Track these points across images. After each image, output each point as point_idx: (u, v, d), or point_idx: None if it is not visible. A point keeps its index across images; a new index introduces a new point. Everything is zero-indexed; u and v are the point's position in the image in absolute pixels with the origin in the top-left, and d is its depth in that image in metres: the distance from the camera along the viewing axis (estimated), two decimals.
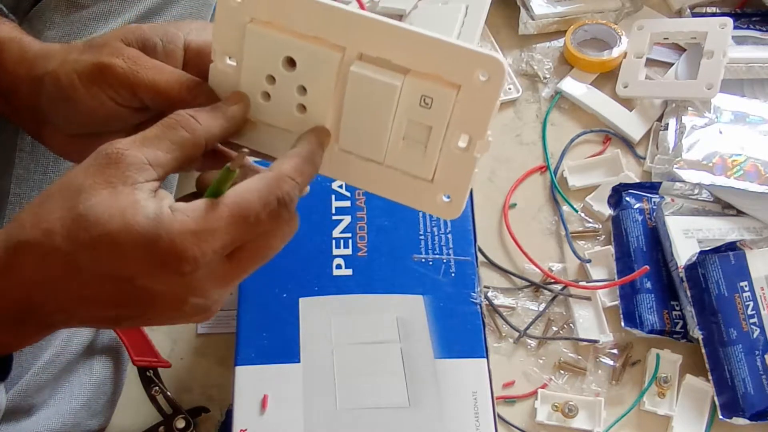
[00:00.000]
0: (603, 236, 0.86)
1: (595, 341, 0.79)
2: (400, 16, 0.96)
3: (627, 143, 0.93)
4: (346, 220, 0.73)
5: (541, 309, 0.81)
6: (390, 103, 0.45)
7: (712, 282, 0.76)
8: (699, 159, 0.86)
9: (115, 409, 0.71)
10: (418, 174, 0.48)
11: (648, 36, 0.97)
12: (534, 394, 0.76)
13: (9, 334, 0.44)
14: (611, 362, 0.78)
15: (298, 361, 0.66)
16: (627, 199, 0.85)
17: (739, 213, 0.83)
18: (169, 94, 0.48)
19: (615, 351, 0.79)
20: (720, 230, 0.82)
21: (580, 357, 0.79)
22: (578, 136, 0.94)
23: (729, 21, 0.93)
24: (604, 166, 0.91)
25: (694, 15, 1.02)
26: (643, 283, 0.80)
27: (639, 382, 0.77)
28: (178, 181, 0.74)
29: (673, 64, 0.98)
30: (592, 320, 0.80)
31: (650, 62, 0.98)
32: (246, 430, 0.63)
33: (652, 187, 0.86)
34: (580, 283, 0.82)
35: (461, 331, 0.67)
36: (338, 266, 0.71)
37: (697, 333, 0.76)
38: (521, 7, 1.01)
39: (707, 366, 0.75)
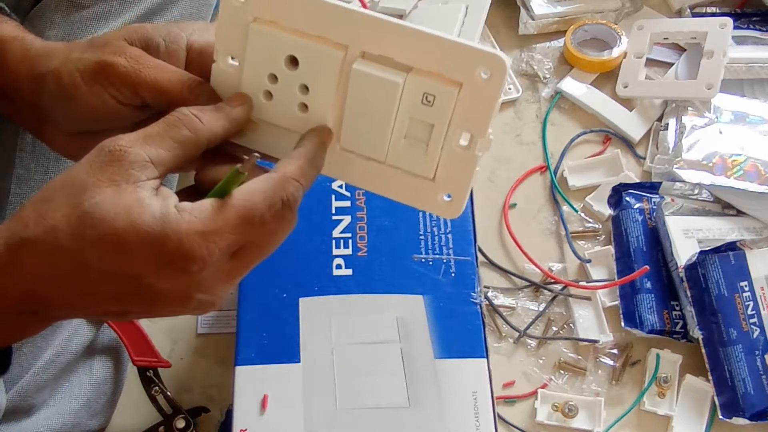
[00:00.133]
0: (603, 236, 0.86)
1: (595, 341, 0.79)
2: (400, 16, 0.96)
3: (627, 143, 0.93)
4: (346, 220, 0.73)
5: (541, 309, 0.81)
6: (392, 101, 0.45)
7: (712, 282, 0.76)
8: (699, 159, 0.86)
9: (115, 409, 0.71)
10: (419, 173, 0.48)
11: (648, 36, 0.97)
12: (534, 394, 0.76)
13: (11, 327, 0.44)
14: (611, 362, 0.78)
15: (298, 361, 0.65)
16: (627, 199, 0.85)
17: (739, 213, 0.84)
18: (171, 93, 0.48)
19: (615, 351, 0.79)
20: (720, 230, 0.82)
21: (580, 357, 0.79)
22: (578, 136, 0.94)
23: (729, 21, 0.93)
24: (604, 166, 0.91)
25: (694, 15, 1.02)
26: (643, 283, 0.80)
27: (639, 382, 0.77)
28: (178, 180, 0.74)
29: (673, 64, 0.98)
30: (592, 320, 0.80)
31: (650, 62, 0.98)
32: (246, 430, 0.63)
33: (652, 187, 0.86)
34: (580, 283, 0.82)
35: (461, 331, 0.67)
36: (338, 266, 0.71)
37: (697, 333, 0.76)
38: (521, 7, 1.01)
39: (707, 366, 0.75)
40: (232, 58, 0.48)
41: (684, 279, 0.77)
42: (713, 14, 1.01)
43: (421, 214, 0.73)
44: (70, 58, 0.49)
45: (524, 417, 0.76)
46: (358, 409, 0.63)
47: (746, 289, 0.76)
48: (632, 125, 0.94)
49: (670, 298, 0.80)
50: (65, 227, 0.40)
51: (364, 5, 0.96)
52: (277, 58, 0.46)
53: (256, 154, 0.43)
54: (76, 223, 0.40)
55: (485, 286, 0.81)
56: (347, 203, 0.74)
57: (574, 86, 0.97)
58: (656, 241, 0.83)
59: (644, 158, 0.92)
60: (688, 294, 0.77)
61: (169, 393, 0.72)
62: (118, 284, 0.41)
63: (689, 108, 0.92)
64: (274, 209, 0.43)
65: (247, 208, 0.42)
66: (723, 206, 0.84)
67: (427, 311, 0.68)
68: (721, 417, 0.74)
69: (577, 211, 0.88)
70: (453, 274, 0.70)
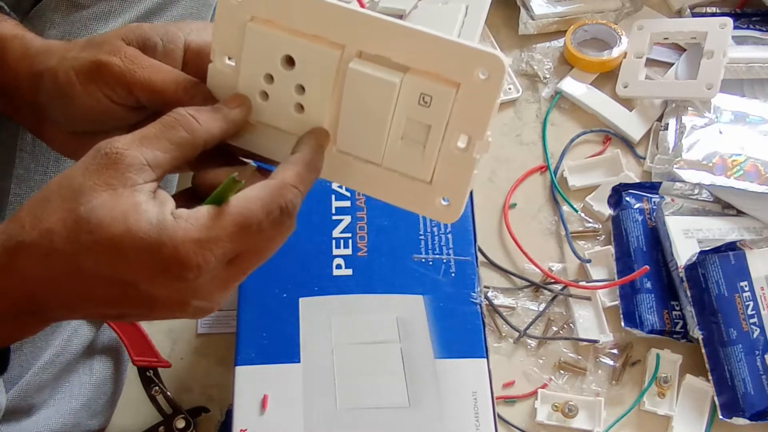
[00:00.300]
0: (603, 236, 0.86)
1: (595, 341, 0.79)
2: (400, 16, 0.96)
3: (627, 143, 0.93)
4: (346, 220, 0.73)
5: (541, 309, 0.81)
6: (389, 101, 0.45)
7: (712, 282, 0.76)
8: (699, 159, 0.86)
9: (115, 409, 0.71)
10: (416, 175, 0.47)
11: (648, 36, 0.97)
12: (534, 394, 0.76)
13: (10, 327, 0.44)
14: (611, 362, 0.78)
15: (298, 361, 0.65)
16: (627, 199, 0.85)
17: (739, 213, 0.83)
18: (166, 93, 0.48)
19: (615, 351, 0.79)
20: (720, 230, 0.82)
21: (580, 357, 0.79)
22: (578, 136, 0.94)
23: (729, 21, 0.93)
24: (604, 166, 0.91)
25: (694, 15, 1.02)
26: (643, 283, 0.80)
27: (639, 382, 0.77)
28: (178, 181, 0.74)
29: (673, 64, 0.98)
30: (592, 320, 0.80)
31: (650, 62, 0.98)
32: (246, 430, 0.63)
33: (652, 187, 0.86)
34: (580, 283, 0.82)
35: (461, 331, 0.67)
36: (338, 266, 0.71)
37: (697, 333, 0.76)
38: (521, 7, 1.01)
39: (707, 366, 0.75)
40: (229, 58, 0.48)
41: (684, 279, 0.77)
42: (713, 14, 1.01)
43: None
44: (67, 56, 0.49)
45: (524, 417, 0.76)
46: (358, 409, 0.63)
47: (746, 289, 0.76)
48: (632, 125, 0.94)
49: (670, 298, 0.80)
50: (61, 231, 0.40)
51: (361, 5, 0.95)
52: (273, 57, 0.46)
53: (254, 164, 0.43)
54: (71, 227, 0.40)
55: (485, 286, 0.81)
56: (347, 203, 0.74)
57: (574, 86, 0.97)
58: (656, 241, 0.83)
59: (644, 158, 0.92)
60: (688, 294, 0.77)
61: (169, 393, 0.72)
62: (114, 289, 0.41)
63: (689, 108, 0.92)
64: (272, 216, 0.42)
65: (244, 216, 0.42)
66: (723, 206, 0.84)
67: (427, 311, 0.68)
68: (721, 417, 0.74)
69: (577, 211, 0.88)
70: (453, 274, 0.70)
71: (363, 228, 0.73)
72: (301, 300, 0.69)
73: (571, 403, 0.75)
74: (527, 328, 0.80)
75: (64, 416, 0.64)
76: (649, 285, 0.80)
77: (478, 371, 0.65)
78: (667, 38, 0.98)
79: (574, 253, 0.84)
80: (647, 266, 0.79)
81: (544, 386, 0.77)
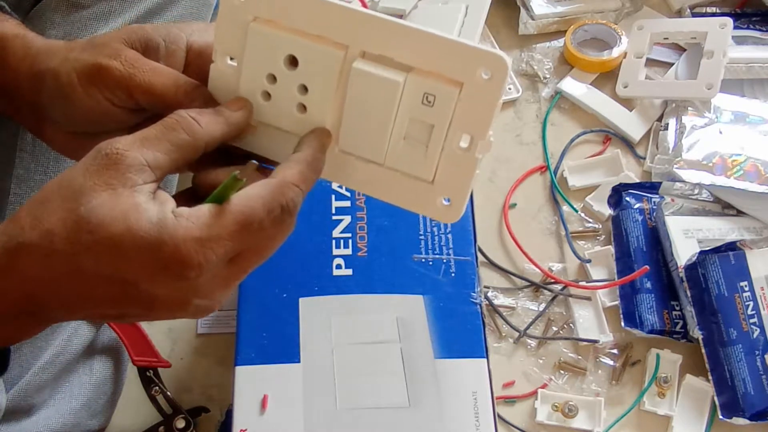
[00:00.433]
0: (603, 236, 0.86)
1: (595, 341, 0.79)
2: (400, 16, 0.96)
3: (627, 143, 0.93)
4: (346, 220, 0.73)
5: (541, 309, 0.81)
6: (392, 101, 0.45)
7: (712, 282, 0.76)
8: (699, 159, 0.86)
9: (115, 409, 0.71)
10: (418, 175, 0.47)
11: (648, 36, 0.97)
12: (534, 394, 0.76)
13: (10, 328, 0.44)
14: (611, 362, 0.78)
15: (298, 361, 0.65)
16: (627, 199, 0.85)
17: (739, 213, 0.83)
18: (166, 96, 0.47)
19: (615, 351, 0.79)
20: (720, 230, 0.82)
21: (580, 357, 0.79)
22: (578, 136, 0.94)
23: (729, 21, 0.93)
24: (604, 166, 0.91)
25: (694, 15, 1.02)
26: (643, 283, 0.80)
27: (639, 382, 0.77)
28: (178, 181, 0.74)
29: (673, 64, 0.98)
30: (592, 320, 0.80)
31: (650, 62, 0.98)
32: (246, 430, 0.63)
33: (652, 187, 0.86)
34: (580, 283, 0.82)
35: (461, 331, 0.67)
36: (338, 266, 0.71)
37: (697, 333, 0.76)
38: (521, 7, 1.01)
39: (707, 366, 0.75)
40: (231, 58, 0.48)
41: (684, 279, 0.77)
42: (713, 14, 1.01)
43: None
44: (68, 57, 0.49)
45: (524, 417, 0.76)
46: (358, 409, 0.63)
47: (746, 289, 0.76)
48: (632, 125, 0.94)
49: (670, 298, 0.80)
50: (61, 231, 0.40)
51: (364, 5, 0.96)
52: (276, 57, 0.46)
53: (255, 162, 0.43)
54: (71, 227, 0.40)
55: (485, 286, 0.81)
56: (347, 203, 0.74)
57: (574, 86, 0.97)
58: (656, 241, 0.83)
59: (644, 158, 0.92)
60: (688, 294, 0.77)
61: (169, 393, 0.72)
62: (114, 288, 0.41)
63: (689, 108, 0.92)
64: (273, 215, 0.42)
65: (245, 215, 0.42)
66: (723, 206, 0.84)
67: (427, 311, 0.68)
68: (721, 417, 0.74)
69: (577, 211, 0.88)
70: (453, 274, 0.70)
71: (363, 228, 0.73)
72: (301, 300, 0.69)
73: (571, 403, 0.75)
74: (527, 328, 0.80)
75: (64, 416, 0.64)
76: (649, 285, 0.80)
77: (478, 371, 0.65)
78: (667, 38, 0.98)
79: (574, 253, 0.84)
80: (647, 266, 0.79)
81: (544, 386, 0.77)
